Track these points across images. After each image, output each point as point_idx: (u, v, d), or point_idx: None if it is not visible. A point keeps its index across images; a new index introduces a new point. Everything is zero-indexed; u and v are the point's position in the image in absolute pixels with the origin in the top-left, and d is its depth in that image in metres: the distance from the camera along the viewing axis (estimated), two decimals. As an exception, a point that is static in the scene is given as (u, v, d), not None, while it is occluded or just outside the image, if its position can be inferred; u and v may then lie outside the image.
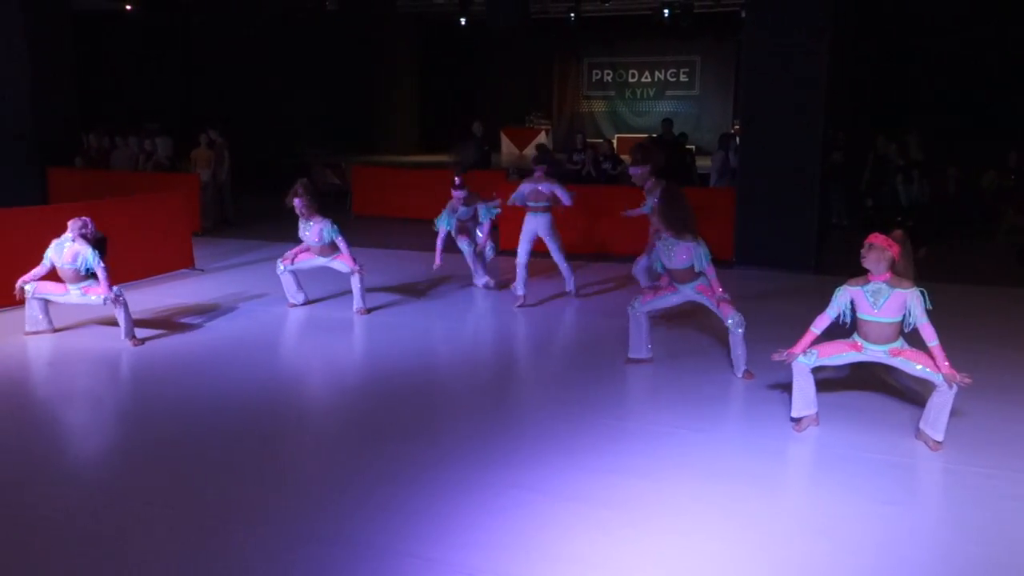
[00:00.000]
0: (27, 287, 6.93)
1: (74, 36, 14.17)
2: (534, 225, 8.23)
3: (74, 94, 14.23)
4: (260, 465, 4.74)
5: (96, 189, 11.90)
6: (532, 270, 8.37)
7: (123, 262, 9.07)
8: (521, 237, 8.27)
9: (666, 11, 20.00)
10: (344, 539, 3.88)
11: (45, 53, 13.45)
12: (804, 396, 5.08)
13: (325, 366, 6.64)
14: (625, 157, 11.71)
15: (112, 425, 5.48)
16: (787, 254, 9.75)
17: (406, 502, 4.22)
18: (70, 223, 6.84)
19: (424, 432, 5.18)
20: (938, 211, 11.95)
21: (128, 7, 17.69)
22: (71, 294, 6.90)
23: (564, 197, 8.19)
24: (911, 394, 5.62)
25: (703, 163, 15.63)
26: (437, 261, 8.45)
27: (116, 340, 6.84)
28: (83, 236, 6.80)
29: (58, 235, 6.91)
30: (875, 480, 4.49)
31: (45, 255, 6.88)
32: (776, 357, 5.07)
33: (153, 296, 8.61)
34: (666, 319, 7.45)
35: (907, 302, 4.80)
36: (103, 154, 14.55)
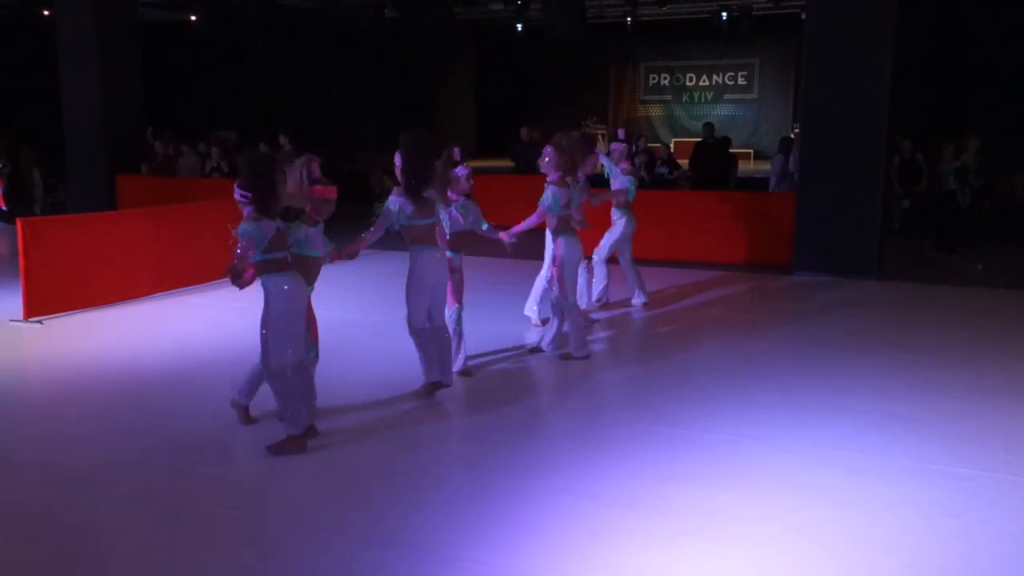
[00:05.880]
0: None
1: (142, 47, 14.62)
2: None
3: (142, 103, 14.67)
4: (315, 467, 4.82)
5: (162, 195, 12.26)
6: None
7: (188, 266, 9.35)
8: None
9: (724, 14, 19.79)
10: (396, 542, 3.92)
11: (115, 64, 13.90)
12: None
13: (377, 366, 6.65)
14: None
15: (174, 425, 5.59)
16: (849, 260, 9.53)
17: (458, 505, 4.26)
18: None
19: (476, 436, 5.22)
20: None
21: (192, 17, 18.15)
22: None
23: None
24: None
25: (763, 167, 15.45)
26: None
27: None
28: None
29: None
30: (939, 492, 4.38)
31: None
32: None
33: (219, 299, 8.82)
34: (718, 327, 7.35)
35: None
36: (168, 161, 14.98)
